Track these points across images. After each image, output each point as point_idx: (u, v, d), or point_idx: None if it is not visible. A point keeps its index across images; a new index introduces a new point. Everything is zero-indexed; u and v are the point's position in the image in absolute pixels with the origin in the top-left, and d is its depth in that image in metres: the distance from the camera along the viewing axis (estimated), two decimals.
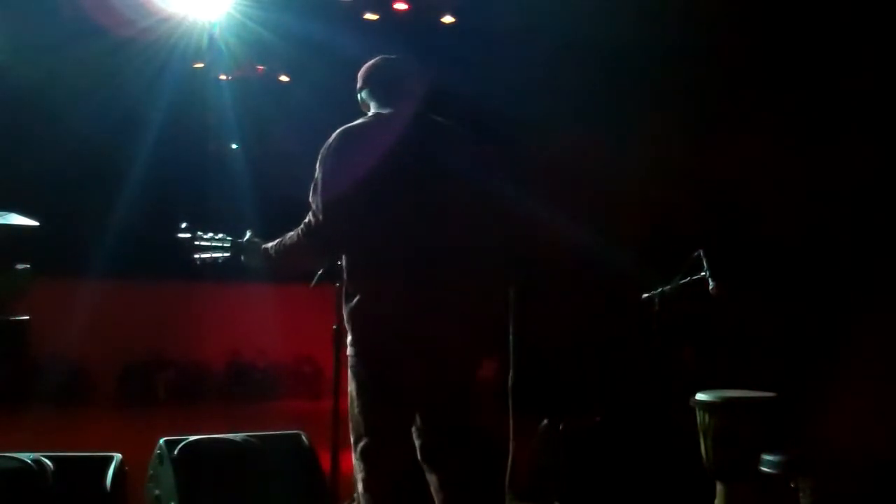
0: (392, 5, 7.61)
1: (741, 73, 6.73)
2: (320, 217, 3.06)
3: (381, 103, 3.24)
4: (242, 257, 3.36)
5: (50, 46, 7.25)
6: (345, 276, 3.12)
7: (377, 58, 3.34)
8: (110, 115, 8.17)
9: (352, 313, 3.08)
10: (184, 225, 3.40)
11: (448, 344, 3.04)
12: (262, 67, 8.65)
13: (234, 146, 10.16)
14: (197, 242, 3.41)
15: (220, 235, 3.40)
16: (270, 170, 8.93)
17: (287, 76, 8.81)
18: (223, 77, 8.70)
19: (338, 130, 3.13)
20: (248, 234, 3.41)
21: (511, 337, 4.77)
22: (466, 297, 3.06)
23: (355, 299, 3.07)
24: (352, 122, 3.19)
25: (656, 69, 6.91)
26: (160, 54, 7.62)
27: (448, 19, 7.73)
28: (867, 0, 6.00)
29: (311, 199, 3.09)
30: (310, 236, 3.11)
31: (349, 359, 3.14)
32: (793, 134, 6.40)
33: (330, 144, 3.10)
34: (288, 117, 8.42)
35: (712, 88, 6.83)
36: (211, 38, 7.68)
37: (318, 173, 3.09)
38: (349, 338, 3.11)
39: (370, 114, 3.24)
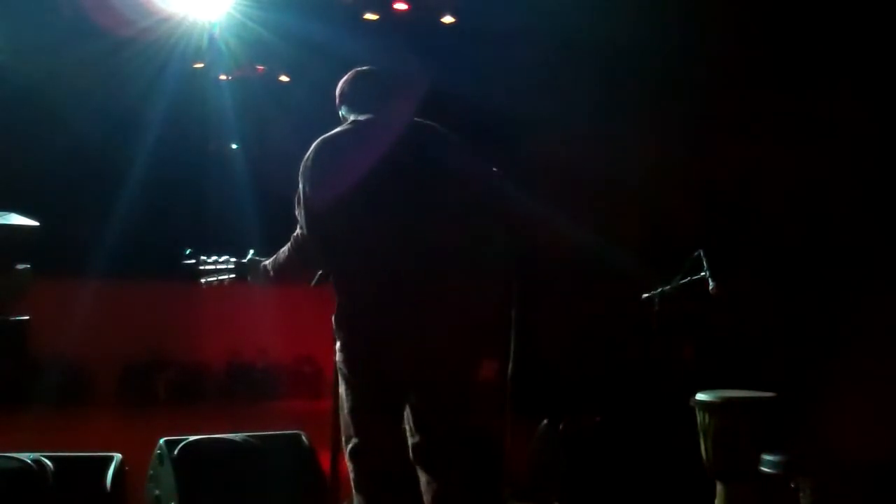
0: (392, 5, 7.61)
1: (741, 73, 6.73)
2: (305, 231, 3.08)
3: (358, 112, 3.22)
4: (249, 277, 3.38)
5: (50, 46, 7.25)
6: (332, 282, 3.11)
7: (350, 72, 3.33)
8: (110, 115, 8.17)
9: (339, 317, 3.08)
10: (188, 251, 3.43)
11: (444, 343, 3.01)
12: (262, 67, 8.65)
13: (234, 146, 10.16)
14: (202, 267, 3.44)
15: (224, 258, 3.43)
16: (270, 170, 8.92)
17: (287, 76, 8.81)
18: (223, 77, 8.70)
19: (315, 141, 3.12)
20: (250, 253, 3.43)
21: (512, 336, 4.77)
22: (465, 296, 3.03)
23: (342, 303, 3.07)
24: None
25: (656, 69, 6.91)
26: (160, 54, 7.62)
27: (448, 19, 7.74)
28: (867, 0, 6.00)
29: (296, 213, 3.10)
30: (299, 251, 3.14)
31: (337, 363, 3.14)
32: (793, 134, 6.40)
33: (308, 156, 3.09)
34: (288, 117, 8.41)
35: (712, 88, 6.83)
36: (211, 38, 7.68)
37: (299, 186, 3.08)
38: (338, 343, 3.11)
39: (348, 122, 3.23)
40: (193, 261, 3.46)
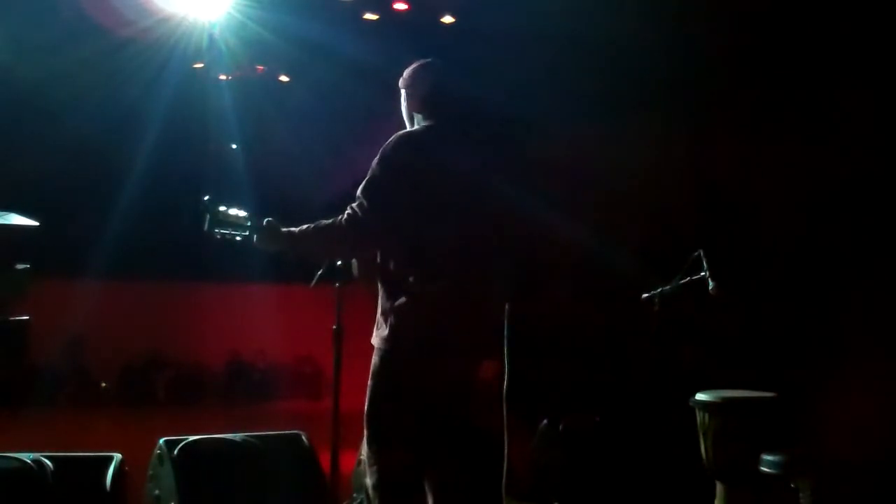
0: (392, 5, 7.60)
1: (740, 73, 6.72)
2: (369, 211, 3.04)
3: (431, 112, 3.26)
4: (255, 238, 3.22)
5: (50, 46, 7.25)
6: (387, 275, 3.10)
7: (423, 65, 3.34)
8: (110, 115, 8.17)
9: (400, 310, 3.05)
10: (207, 197, 3.22)
11: (479, 349, 3.17)
12: (262, 67, 8.65)
13: (234, 146, 10.16)
14: (220, 217, 3.23)
15: (244, 214, 3.25)
16: (270, 170, 8.93)
17: (287, 76, 8.81)
18: (223, 77, 8.70)
19: (399, 134, 3.17)
20: (266, 220, 3.29)
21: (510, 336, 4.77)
22: (493, 298, 3.18)
23: (404, 298, 3.05)
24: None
25: (656, 69, 6.91)
26: (160, 54, 7.62)
27: (448, 19, 7.73)
28: (866, 0, 6.00)
29: (361, 193, 3.07)
30: (354, 226, 3.06)
31: (384, 359, 3.08)
32: (792, 134, 6.40)
33: (393, 146, 3.11)
34: (288, 117, 8.41)
35: (712, 88, 6.83)
36: (211, 38, 7.68)
37: (376, 170, 3.08)
38: (386, 333, 3.06)
39: (427, 123, 3.24)
40: (212, 208, 3.22)
